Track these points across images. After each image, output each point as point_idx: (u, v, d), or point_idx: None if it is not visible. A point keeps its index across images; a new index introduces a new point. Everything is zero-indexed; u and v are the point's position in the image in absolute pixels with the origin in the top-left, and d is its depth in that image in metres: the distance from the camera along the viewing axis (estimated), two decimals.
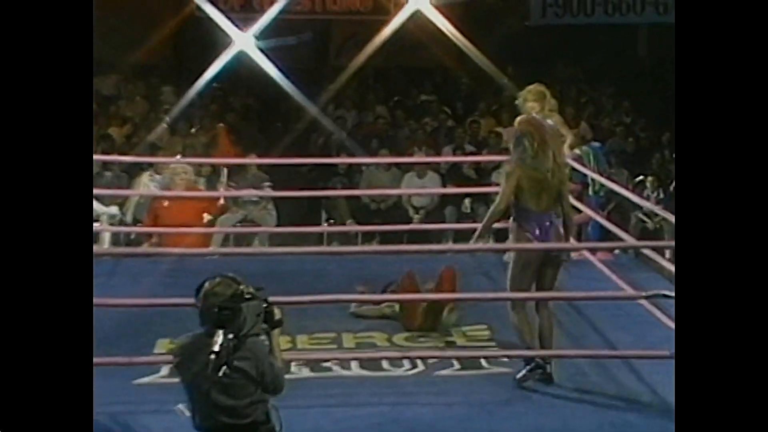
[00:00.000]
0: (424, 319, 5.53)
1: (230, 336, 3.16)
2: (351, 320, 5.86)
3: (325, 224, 9.40)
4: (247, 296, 3.24)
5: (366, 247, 8.27)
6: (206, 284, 3.23)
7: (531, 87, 7.21)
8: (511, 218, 4.92)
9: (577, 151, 7.77)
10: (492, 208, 5.02)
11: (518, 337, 4.86)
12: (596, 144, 7.92)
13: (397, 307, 5.72)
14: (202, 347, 3.18)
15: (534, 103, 7.21)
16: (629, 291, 5.89)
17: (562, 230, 4.92)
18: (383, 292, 5.81)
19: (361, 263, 7.29)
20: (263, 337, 3.28)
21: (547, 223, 4.89)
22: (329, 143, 10.76)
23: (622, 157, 9.73)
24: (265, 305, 3.28)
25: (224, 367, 3.13)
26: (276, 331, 3.34)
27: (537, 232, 4.87)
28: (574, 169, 7.63)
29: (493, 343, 5.43)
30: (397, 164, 9.60)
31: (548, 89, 7.22)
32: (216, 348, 3.13)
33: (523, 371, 4.77)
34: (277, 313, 3.33)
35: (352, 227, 9.11)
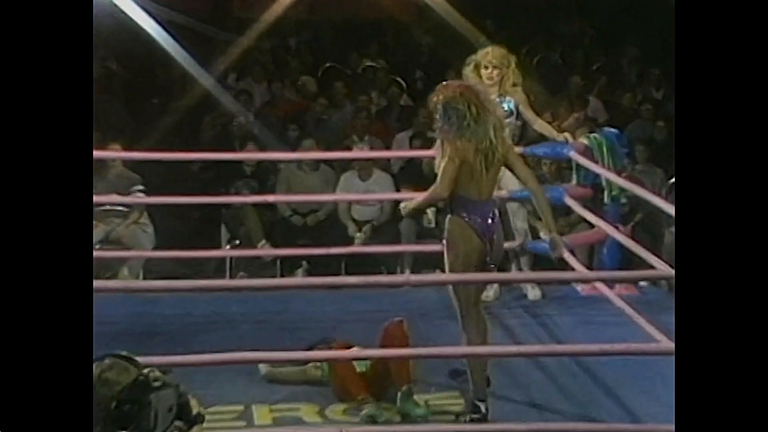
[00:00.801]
0: (365, 388, 5.60)
1: None
2: (265, 386, 5.87)
3: (227, 246, 9.38)
4: (155, 384, 3.34)
5: (287, 280, 8.25)
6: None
7: (488, 50, 7.35)
8: (448, 213, 5.46)
9: (583, 139, 7.85)
10: (431, 192, 5.42)
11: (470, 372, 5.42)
12: (612, 130, 8.00)
13: (326, 367, 5.75)
14: None
15: (491, 72, 7.30)
16: (662, 341, 5.95)
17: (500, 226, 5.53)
18: (310, 349, 5.84)
19: (280, 303, 7.28)
20: None
21: (491, 215, 5.45)
22: (230, 130, 10.73)
23: (651, 149, 9.83)
24: (178, 395, 3.37)
25: None
26: (195, 430, 3.40)
27: (482, 223, 5.40)
28: (578, 165, 7.75)
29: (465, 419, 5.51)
30: (329, 161, 9.62)
31: (513, 54, 7.37)
32: None
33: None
34: (195, 405, 3.43)
35: (265, 251, 9.10)
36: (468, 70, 7.37)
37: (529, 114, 7.49)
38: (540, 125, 7.57)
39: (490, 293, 7.68)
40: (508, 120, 7.49)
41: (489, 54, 7.32)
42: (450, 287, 5.55)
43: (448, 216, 5.48)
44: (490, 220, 5.44)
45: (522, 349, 6.15)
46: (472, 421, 5.38)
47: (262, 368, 5.89)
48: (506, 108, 7.41)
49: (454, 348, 5.57)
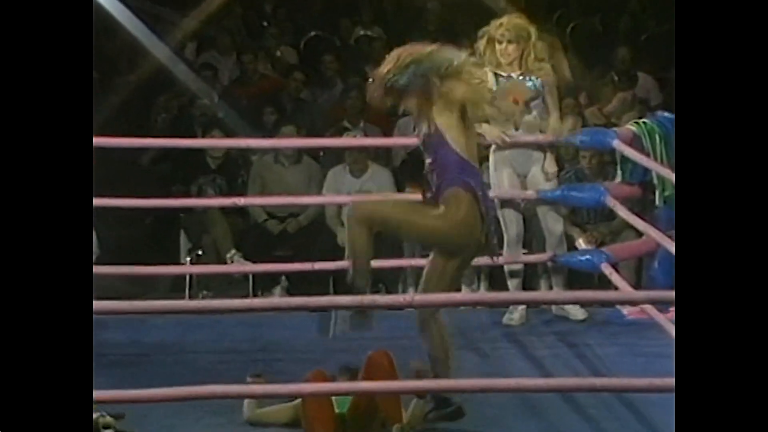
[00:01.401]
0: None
1: None
2: (239, 429, 5.90)
3: (188, 259, 9.40)
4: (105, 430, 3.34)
5: (264, 301, 8.26)
6: None
7: (502, 20, 7.45)
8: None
9: (631, 126, 7.90)
10: None
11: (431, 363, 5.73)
12: (667, 115, 8.05)
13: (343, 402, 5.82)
14: None
15: (505, 48, 7.40)
16: None
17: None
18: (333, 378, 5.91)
19: (252, 329, 7.30)
20: None
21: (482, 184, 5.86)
22: (189, 113, 10.77)
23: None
24: None
25: None
26: None
27: (480, 191, 5.76)
28: (624, 158, 7.79)
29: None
30: (313, 151, 9.64)
31: (534, 24, 7.45)
32: None
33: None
34: None
35: (235, 267, 9.11)
36: (481, 44, 7.45)
37: (550, 101, 7.55)
38: (553, 121, 7.60)
39: (514, 316, 7.73)
40: (536, 101, 7.56)
41: (503, 26, 7.42)
42: (425, 276, 5.82)
43: (449, 187, 5.69)
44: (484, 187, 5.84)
45: (551, 382, 6.19)
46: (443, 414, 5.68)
47: (246, 410, 5.91)
48: (532, 86, 7.47)
49: (464, 381, 5.63)
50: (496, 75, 7.51)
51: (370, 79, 5.99)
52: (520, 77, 7.47)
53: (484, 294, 8.37)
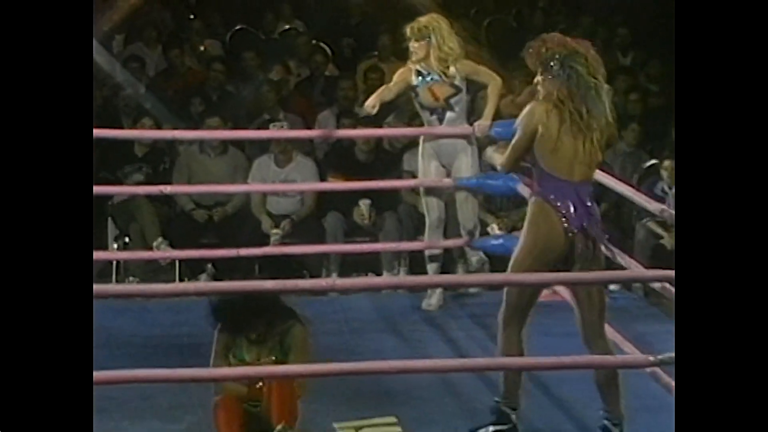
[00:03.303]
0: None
1: None
2: (165, 416, 5.91)
3: (114, 246, 9.35)
4: None
5: (188, 285, 8.24)
6: None
7: (415, 21, 7.59)
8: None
9: None
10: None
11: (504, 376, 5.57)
12: None
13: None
14: None
15: (416, 44, 7.56)
16: (632, 353, 6.08)
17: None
18: None
19: (177, 314, 7.29)
20: None
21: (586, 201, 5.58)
22: (114, 104, 10.70)
23: (621, 127, 9.94)
24: None
25: None
26: None
27: (572, 210, 5.47)
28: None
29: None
30: (238, 142, 9.62)
31: (446, 21, 7.58)
32: None
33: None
34: None
35: (162, 253, 9.08)
36: (410, 44, 7.66)
37: (483, 77, 7.68)
38: (491, 86, 7.70)
39: (432, 301, 7.78)
40: (456, 98, 7.64)
41: (411, 26, 7.66)
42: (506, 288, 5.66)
43: (532, 198, 5.60)
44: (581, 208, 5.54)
45: (467, 362, 6.24)
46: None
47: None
48: (454, 85, 7.58)
49: (379, 363, 5.64)
50: (418, 72, 7.62)
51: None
52: (434, 74, 7.57)
53: (404, 278, 8.42)
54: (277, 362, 5.54)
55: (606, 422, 5.53)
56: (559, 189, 5.47)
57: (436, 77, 7.63)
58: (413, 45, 7.59)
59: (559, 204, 5.46)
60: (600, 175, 7.05)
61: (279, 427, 5.48)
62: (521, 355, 5.51)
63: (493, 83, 7.76)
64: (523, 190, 7.73)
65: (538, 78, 5.50)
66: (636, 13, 12.56)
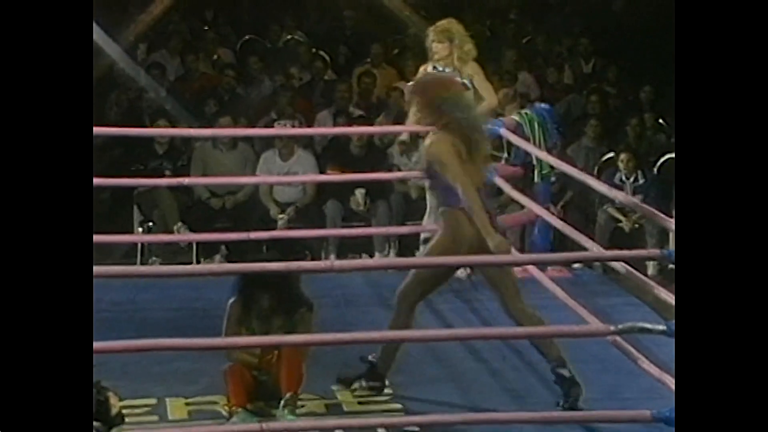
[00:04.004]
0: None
1: None
2: (180, 378, 5.89)
3: (139, 230, 9.32)
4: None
5: (204, 267, 8.23)
6: None
7: (438, 23, 7.55)
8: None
9: (514, 116, 7.94)
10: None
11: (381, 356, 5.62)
12: (543, 106, 8.10)
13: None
14: None
15: (437, 46, 7.52)
16: (594, 324, 6.07)
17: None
18: None
19: (195, 290, 7.27)
20: None
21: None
22: (138, 105, 10.64)
23: (583, 125, 9.98)
24: (96, 393, 3.33)
25: None
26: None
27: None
28: (509, 143, 7.82)
29: (397, 406, 5.61)
30: (248, 138, 9.58)
31: (462, 26, 7.55)
32: None
33: None
34: (115, 404, 3.39)
35: (181, 236, 9.06)
36: (427, 42, 7.63)
37: (483, 87, 7.65)
38: (486, 103, 7.66)
39: None
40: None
41: (435, 29, 7.61)
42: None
43: (442, 209, 5.61)
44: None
45: (452, 332, 6.22)
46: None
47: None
48: (464, 82, 7.54)
49: (378, 333, 5.64)
50: (434, 68, 7.62)
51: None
52: (453, 72, 7.54)
53: (394, 259, 8.42)
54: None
55: (554, 368, 5.55)
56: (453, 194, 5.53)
57: (447, 72, 7.58)
58: (436, 46, 7.53)
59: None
60: (565, 167, 7.05)
61: (287, 395, 5.45)
62: (409, 328, 5.56)
63: (489, 101, 7.68)
64: (499, 181, 7.70)
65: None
66: (595, 24, 12.56)
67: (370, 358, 5.71)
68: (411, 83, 5.74)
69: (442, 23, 7.63)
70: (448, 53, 7.55)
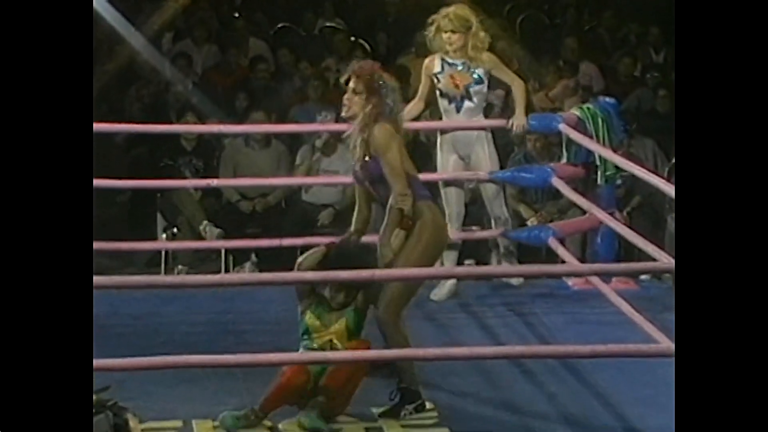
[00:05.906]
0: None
1: None
2: (208, 398, 5.89)
3: (163, 236, 9.36)
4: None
5: (233, 276, 8.24)
6: None
7: (447, 11, 7.49)
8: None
9: (575, 111, 7.91)
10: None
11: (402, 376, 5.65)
12: (609, 100, 8.06)
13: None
14: None
15: (449, 37, 7.45)
16: (663, 342, 6.02)
17: None
18: None
19: (224, 303, 7.29)
20: None
21: None
22: (164, 100, 10.68)
23: (654, 123, 9.91)
24: (113, 414, 3.37)
25: None
26: None
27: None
28: (569, 141, 7.80)
29: (445, 431, 5.58)
30: (282, 135, 9.59)
31: (478, 13, 7.51)
32: None
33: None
34: (135, 427, 3.44)
35: (208, 243, 9.06)
36: (431, 32, 7.49)
37: (506, 77, 7.60)
38: (515, 88, 7.63)
39: (443, 291, 7.62)
40: (477, 87, 7.57)
41: (447, 16, 7.46)
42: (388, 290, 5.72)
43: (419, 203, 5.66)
44: None
45: (502, 350, 6.19)
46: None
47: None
48: (475, 76, 7.49)
49: (424, 350, 5.65)
50: (443, 60, 7.55)
51: None
52: (464, 64, 7.50)
53: (440, 269, 8.37)
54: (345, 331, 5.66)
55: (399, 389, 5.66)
56: (422, 185, 5.81)
57: (459, 66, 7.54)
58: (450, 36, 7.42)
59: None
60: (633, 168, 7.01)
61: (320, 398, 5.51)
62: (408, 342, 5.64)
63: (517, 84, 7.68)
64: (558, 182, 7.67)
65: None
66: (664, 12, 12.48)
67: (397, 386, 5.71)
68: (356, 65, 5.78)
69: (457, 10, 7.50)
70: (462, 44, 7.47)
